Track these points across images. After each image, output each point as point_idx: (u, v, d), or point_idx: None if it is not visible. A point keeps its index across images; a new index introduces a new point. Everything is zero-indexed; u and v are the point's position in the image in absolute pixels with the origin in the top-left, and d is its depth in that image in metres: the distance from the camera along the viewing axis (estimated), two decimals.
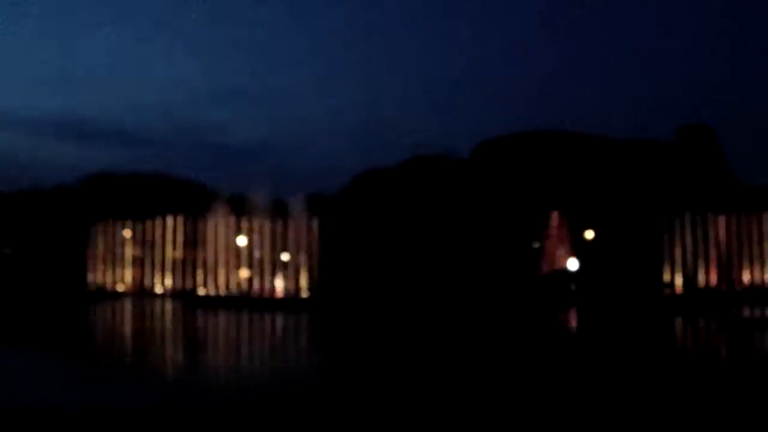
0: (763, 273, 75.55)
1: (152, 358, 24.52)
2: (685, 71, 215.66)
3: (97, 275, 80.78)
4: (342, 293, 61.72)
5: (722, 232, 74.91)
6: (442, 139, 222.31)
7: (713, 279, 74.12)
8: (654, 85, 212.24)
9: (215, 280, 73.22)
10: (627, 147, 74.16)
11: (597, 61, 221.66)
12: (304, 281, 68.87)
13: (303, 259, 70.19)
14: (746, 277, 75.32)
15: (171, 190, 78.79)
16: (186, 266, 76.58)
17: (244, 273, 72.87)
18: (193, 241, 76.12)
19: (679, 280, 73.67)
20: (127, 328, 39.20)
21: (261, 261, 71.37)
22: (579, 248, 71.17)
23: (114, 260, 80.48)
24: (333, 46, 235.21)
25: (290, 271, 70.40)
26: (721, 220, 75.01)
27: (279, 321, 44.87)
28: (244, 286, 71.72)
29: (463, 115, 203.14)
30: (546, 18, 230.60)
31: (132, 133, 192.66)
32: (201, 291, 72.83)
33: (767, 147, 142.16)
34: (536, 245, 71.77)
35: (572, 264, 70.46)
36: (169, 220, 78.02)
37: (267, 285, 69.72)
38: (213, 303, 61.41)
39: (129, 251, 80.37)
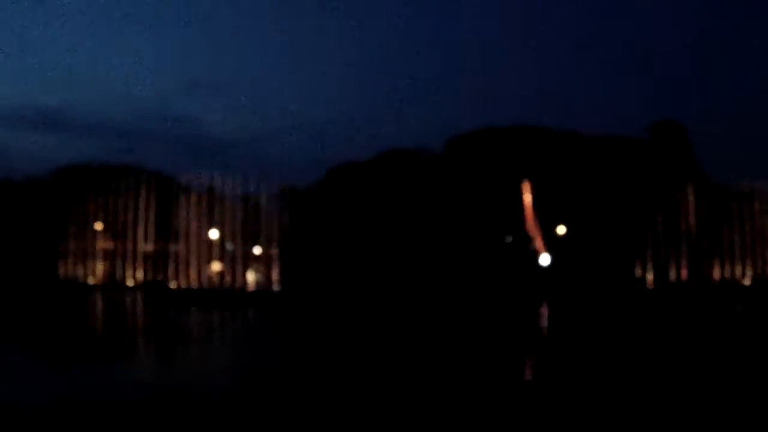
0: (733, 269, 76.46)
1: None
2: (657, 68, 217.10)
3: (69, 268, 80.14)
4: (314, 287, 61.66)
5: (693, 228, 75.69)
6: (418, 133, 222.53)
7: (684, 275, 74.90)
8: (628, 82, 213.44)
9: (187, 273, 72.80)
10: (599, 143, 74.62)
11: (571, 57, 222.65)
12: (276, 275, 68.71)
13: (275, 252, 70.04)
14: (717, 273, 76.20)
15: (143, 183, 78.27)
16: (157, 259, 76.15)
17: (216, 266, 72.60)
18: (164, 234, 75.70)
19: (650, 276, 74.31)
20: (90, 322, 38.91)
21: (233, 254, 71.14)
22: (551, 244, 71.54)
23: (85, 253, 79.92)
24: (309, 39, 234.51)
25: (262, 264, 70.24)
26: (692, 217, 75.79)
27: (248, 315, 44.72)
28: (216, 279, 71.43)
29: (438, 110, 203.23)
30: (520, 14, 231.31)
31: (104, 124, 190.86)
32: (172, 284, 72.42)
33: (737, 145, 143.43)
34: (508, 239, 72.11)
35: (544, 259, 70.86)
36: (141, 213, 77.58)
37: (239, 278, 69.49)
38: (184, 296, 61.15)
39: (100, 244, 79.85)
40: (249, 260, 70.78)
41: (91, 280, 78.99)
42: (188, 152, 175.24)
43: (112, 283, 76.99)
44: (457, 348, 25.21)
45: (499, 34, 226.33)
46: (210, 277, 72.48)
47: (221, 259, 72.17)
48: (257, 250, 71.49)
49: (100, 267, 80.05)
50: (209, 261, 73.25)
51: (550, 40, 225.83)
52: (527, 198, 69.27)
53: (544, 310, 47.13)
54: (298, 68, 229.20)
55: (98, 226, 79.68)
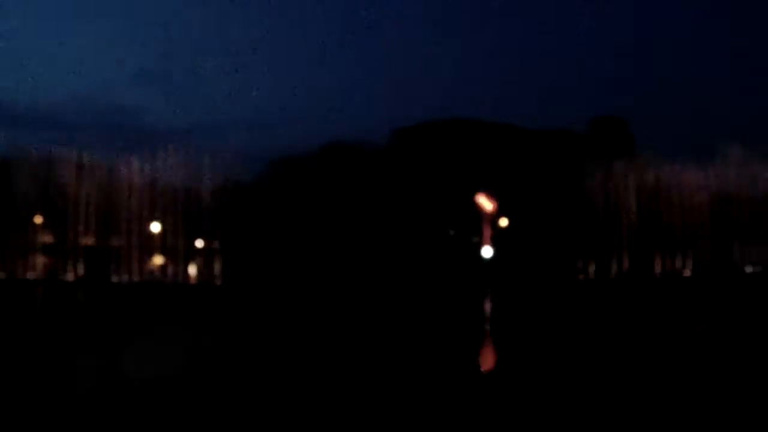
0: (674, 260, 77.82)
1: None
2: (600, 63, 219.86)
3: (6, 263, 78.45)
4: (256, 281, 61.47)
5: (634, 221, 76.84)
6: (360, 127, 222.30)
7: (626, 267, 76.00)
8: (570, 76, 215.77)
9: (128, 266, 71.98)
10: (542, 136, 75.42)
11: (514, 51, 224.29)
12: (218, 268, 68.38)
13: (217, 246, 69.67)
14: (658, 264, 77.45)
15: (83, 174, 76.92)
16: (99, 253, 75.02)
17: (157, 260, 71.94)
18: (106, 227, 74.62)
19: (592, 268, 75.26)
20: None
21: (175, 248, 70.53)
22: (493, 236, 72.12)
23: (24, 247, 78.31)
24: (254, 30, 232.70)
25: (204, 258, 69.82)
26: (633, 210, 76.91)
27: (188, 308, 44.43)
28: (158, 273, 70.80)
29: (381, 104, 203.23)
30: (463, 6, 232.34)
31: (43, 114, 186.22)
32: (114, 278, 71.62)
33: (677, 138, 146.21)
34: (451, 233, 72.56)
35: (486, 252, 71.43)
36: (81, 205, 76.25)
37: (181, 272, 68.99)
38: (125, 290, 60.63)
39: (39, 237, 78.29)
40: (191, 254, 70.27)
41: (30, 275, 77.46)
42: (130, 143, 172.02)
43: (52, 278, 75.61)
44: (398, 339, 25.30)
45: (443, 25, 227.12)
46: (152, 271, 71.81)
47: (163, 252, 71.54)
48: (199, 244, 71.06)
49: (39, 261, 78.50)
50: (151, 254, 72.55)
51: (492, 33, 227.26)
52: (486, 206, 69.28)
53: (486, 302, 47.49)
54: (243, 59, 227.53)
55: (37, 219, 78.13)
